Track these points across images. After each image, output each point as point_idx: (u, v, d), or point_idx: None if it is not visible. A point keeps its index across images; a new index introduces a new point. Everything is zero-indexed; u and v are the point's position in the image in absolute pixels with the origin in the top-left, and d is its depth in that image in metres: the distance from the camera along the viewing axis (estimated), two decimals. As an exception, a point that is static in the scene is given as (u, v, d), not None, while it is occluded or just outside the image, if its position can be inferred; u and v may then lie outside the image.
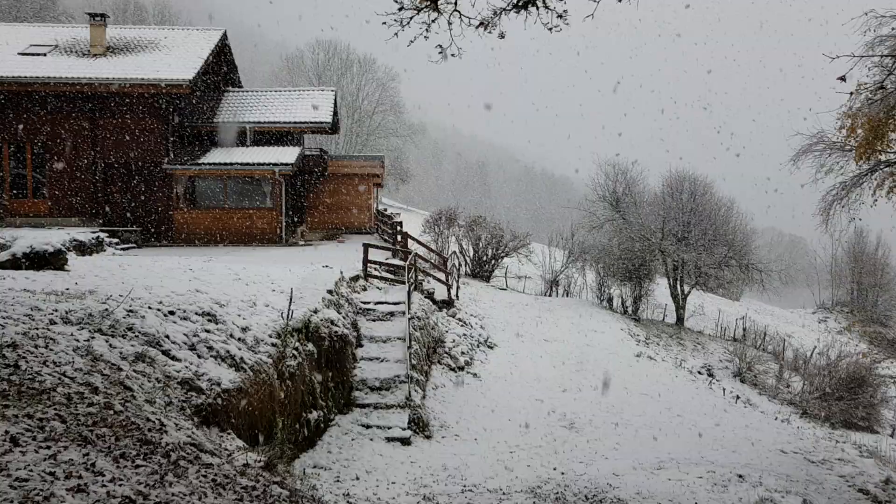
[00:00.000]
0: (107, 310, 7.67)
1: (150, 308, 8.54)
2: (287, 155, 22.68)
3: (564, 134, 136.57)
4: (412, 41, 7.41)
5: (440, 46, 7.23)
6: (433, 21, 7.44)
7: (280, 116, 24.95)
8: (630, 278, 31.26)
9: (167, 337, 7.92)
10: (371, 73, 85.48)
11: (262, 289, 12.37)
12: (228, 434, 7.44)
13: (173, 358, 7.64)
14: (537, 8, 7.62)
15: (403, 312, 15.57)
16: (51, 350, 5.90)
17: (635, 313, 30.17)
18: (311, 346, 11.19)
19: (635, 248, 29.45)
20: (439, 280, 21.20)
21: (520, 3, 7.66)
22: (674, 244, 29.20)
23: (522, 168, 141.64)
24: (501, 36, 7.89)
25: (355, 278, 17.23)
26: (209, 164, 21.96)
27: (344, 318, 13.37)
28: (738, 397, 18.96)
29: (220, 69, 27.37)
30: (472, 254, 36.97)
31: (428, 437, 12.49)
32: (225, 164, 21.96)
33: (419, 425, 12.47)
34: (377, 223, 27.92)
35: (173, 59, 22.62)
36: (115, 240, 20.59)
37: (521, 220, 53.09)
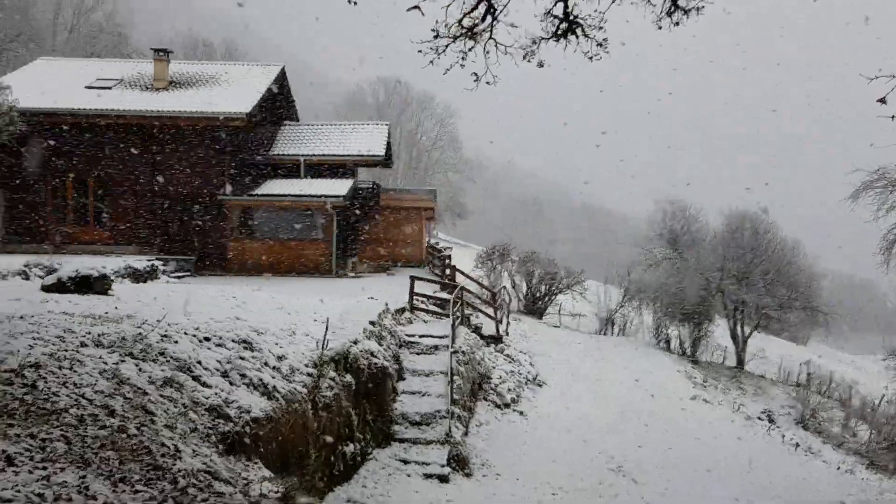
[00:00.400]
0: (140, 334, 7.67)
1: (185, 334, 8.52)
2: (339, 187, 22.90)
3: (621, 171, 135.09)
4: (448, 69, 7.31)
5: (475, 74, 7.12)
6: (469, 49, 7.33)
7: (334, 150, 25.28)
8: (688, 319, 30.34)
9: (199, 363, 7.86)
10: (429, 109, 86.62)
11: (304, 318, 12.32)
12: (255, 463, 7.29)
13: (204, 384, 7.57)
14: (577, 37, 7.45)
15: (448, 346, 15.34)
16: (74, 372, 5.87)
17: (693, 355, 29.19)
18: (348, 378, 11.03)
19: (693, 288, 28.59)
20: (488, 315, 20.90)
21: (559, 32, 7.50)
22: (734, 284, 28.24)
23: (579, 204, 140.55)
24: (540, 65, 7.74)
25: (401, 311, 17.08)
26: (262, 195, 22.33)
27: (385, 350, 13.20)
28: (797, 444, 18.00)
29: (278, 103, 27.99)
30: (525, 290, 36.49)
31: (468, 475, 12.13)
32: (277, 195, 22.29)
33: (459, 462, 12.13)
34: (429, 257, 27.85)
35: (232, 93, 23.22)
36: (171, 268, 20.97)
37: (575, 256, 52.27)
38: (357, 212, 27.61)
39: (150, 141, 22.66)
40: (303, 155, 24.92)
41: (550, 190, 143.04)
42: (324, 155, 25.12)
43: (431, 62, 7.14)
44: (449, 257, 21.32)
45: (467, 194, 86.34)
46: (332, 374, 10.45)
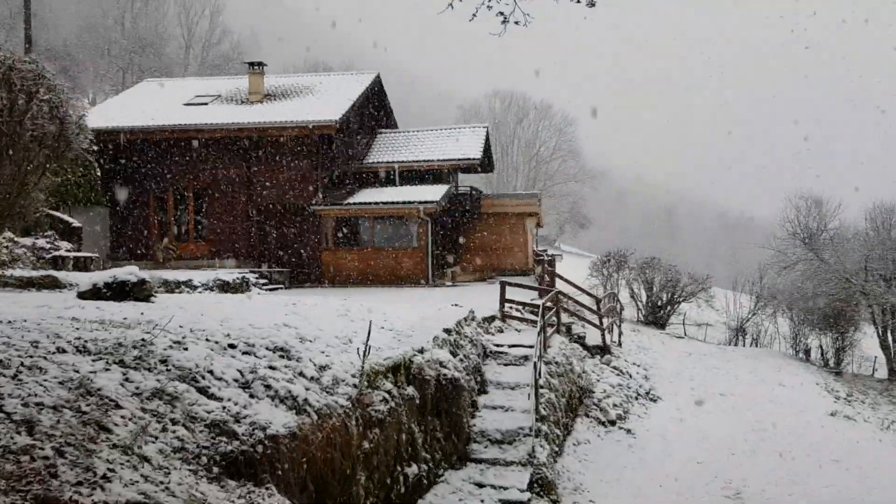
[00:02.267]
0: (144, 340, 6.79)
1: (206, 340, 7.61)
2: (432, 193, 21.93)
3: (752, 174, 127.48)
4: (475, 14, 6.01)
5: (502, 14, 5.80)
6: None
7: (428, 155, 24.39)
8: (830, 326, 27.23)
9: (210, 372, 6.88)
10: (547, 119, 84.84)
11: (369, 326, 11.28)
12: (266, 489, 6.18)
13: (211, 396, 6.57)
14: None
15: (541, 357, 13.88)
16: (23, 381, 4.98)
17: (837, 366, 26.02)
18: (410, 390, 9.82)
19: (833, 292, 25.50)
20: (592, 324, 19.15)
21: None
22: (881, 286, 24.92)
23: (713, 213, 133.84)
24: (591, 4, 6.30)
25: (490, 319, 15.77)
26: (354, 203, 21.70)
27: (463, 359, 11.90)
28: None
29: (375, 112, 27.49)
30: (644, 299, 34.21)
31: (554, 502, 10.59)
32: (369, 203, 21.59)
33: (543, 487, 10.61)
34: (535, 265, 26.36)
35: (324, 101, 22.85)
36: (264, 280, 20.67)
37: (699, 261, 49.00)
38: (455, 219, 26.55)
39: (245, 153, 22.62)
40: (396, 162, 24.19)
41: (679, 197, 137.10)
42: (417, 161, 24.28)
43: (450, 5, 5.88)
44: (549, 262, 19.74)
45: (589, 205, 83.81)
46: (389, 385, 9.28)
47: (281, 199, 22.61)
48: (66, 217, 19.56)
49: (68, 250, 18.98)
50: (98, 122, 22.24)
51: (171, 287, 16.36)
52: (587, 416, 15.28)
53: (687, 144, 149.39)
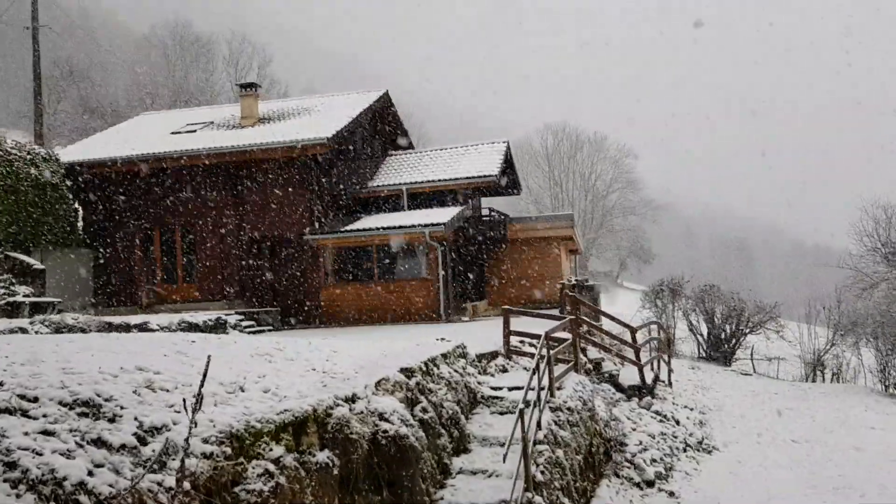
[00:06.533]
0: None
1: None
2: (440, 215, 19.15)
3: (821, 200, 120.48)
4: None
5: None
6: None
7: (440, 174, 21.70)
8: (927, 355, 23.15)
9: None
10: (603, 151, 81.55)
11: (295, 367, 8.52)
12: None
13: None
14: None
15: (547, 402, 10.83)
16: None
17: (938, 402, 21.89)
18: (323, 456, 6.92)
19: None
20: (630, 360, 15.85)
21: None
22: None
23: (789, 240, 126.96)
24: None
25: (490, 356, 12.81)
26: (351, 230, 19.07)
27: (426, 409, 8.94)
28: None
29: (386, 135, 25.07)
30: (704, 331, 30.51)
31: None
32: (368, 229, 18.93)
33: (528, 591, 7.50)
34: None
35: (319, 121, 20.52)
36: (249, 322, 18.17)
37: (769, 291, 44.83)
38: (480, 247, 23.66)
39: (233, 183, 20.32)
40: (405, 184, 21.56)
41: (751, 224, 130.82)
42: (428, 181, 21.58)
43: None
44: (574, 286, 16.57)
45: (653, 238, 79.79)
46: (278, 451, 6.42)
47: (273, 231, 20.18)
48: (26, 258, 17.55)
49: (26, 295, 16.93)
50: (75, 156, 20.45)
51: (118, 331, 13.96)
52: (616, 475, 12.03)
53: (753, 168, 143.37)
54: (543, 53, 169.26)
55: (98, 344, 8.15)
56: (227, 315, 17.24)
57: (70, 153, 20.71)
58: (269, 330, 18.49)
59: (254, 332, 17.57)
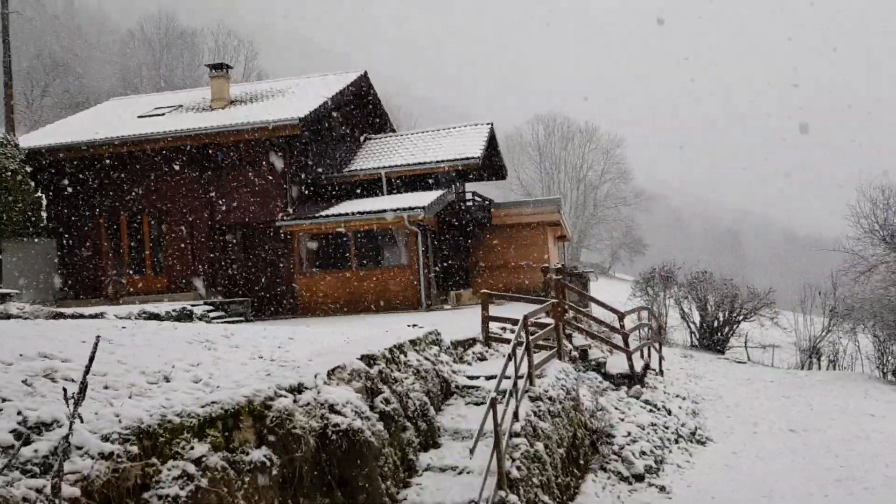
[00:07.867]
0: None
1: None
2: (420, 199, 18.25)
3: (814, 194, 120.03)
4: None
5: None
6: None
7: (420, 158, 20.77)
8: (925, 339, 22.42)
9: None
10: (594, 141, 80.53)
11: (238, 355, 7.65)
12: None
13: None
14: None
15: (526, 391, 9.99)
16: None
17: (939, 388, 21.16)
18: (259, 454, 6.04)
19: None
20: (618, 347, 15.01)
21: None
22: None
23: (780, 229, 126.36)
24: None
25: (468, 343, 11.96)
26: (326, 216, 18.14)
27: (387, 401, 8.05)
28: None
29: (365, 117, 24.11)
30: (697, 319, 29.74)
31: None
32: (344, 214, 18.00)
33: None
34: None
35: (293, 103, 19.55)
36: (219, 313, 17.26)
37: (763, 279, 44.08)
38: (464, 233, 22.76)
39: (202, 167, 19.36)
40: (383, 168, 20.62)
41: (742, 214, 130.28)
42: (407, 165, 20.64)
43: None
44: (556, 270, 15.66)
45: (645, 229, 79.04)
46: (201, 449, 5.53)
47: (246, 218, 19.24)
48: (-20, 249, 16.61)
49: (-21, 286, 16.00)
50: (36, 141, 19.46)
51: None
52: (603, 469, 11.19)
53: (742, 156, 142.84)
54: (537, 43, 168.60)
55: (10, 329, 7.26)
56: (193, 305, 16.35)
57: (31, 139, 19.75)
58: (240, 321, 17.58)
59: (223, 324, 16.68)
